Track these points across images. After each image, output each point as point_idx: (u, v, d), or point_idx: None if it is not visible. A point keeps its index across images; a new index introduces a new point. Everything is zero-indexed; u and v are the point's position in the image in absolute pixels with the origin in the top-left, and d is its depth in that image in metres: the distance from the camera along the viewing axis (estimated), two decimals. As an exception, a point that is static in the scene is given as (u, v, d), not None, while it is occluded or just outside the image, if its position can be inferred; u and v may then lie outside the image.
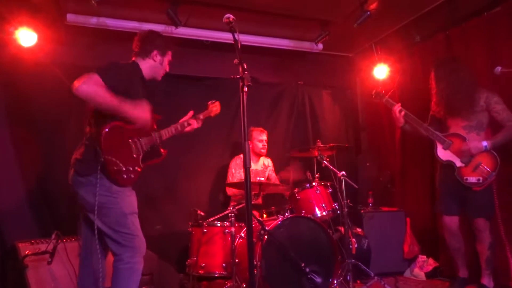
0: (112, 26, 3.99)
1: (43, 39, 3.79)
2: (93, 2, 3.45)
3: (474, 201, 3.16)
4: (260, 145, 4.27)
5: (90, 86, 2.18)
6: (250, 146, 4.17)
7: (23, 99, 3.86)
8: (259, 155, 4.32)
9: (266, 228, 3.10)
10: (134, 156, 2.34)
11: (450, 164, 3.24)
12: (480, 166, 3.10)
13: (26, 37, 3.67)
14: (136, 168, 2.33)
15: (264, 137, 4.30)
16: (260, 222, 3.14)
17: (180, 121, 2.79)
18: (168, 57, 2.66)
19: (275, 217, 3.50)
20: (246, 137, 1.74)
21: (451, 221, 3.31)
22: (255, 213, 3.88)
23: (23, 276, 3.00)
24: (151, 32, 2.65)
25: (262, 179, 4.26)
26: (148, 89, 2.59)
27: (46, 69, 3.89)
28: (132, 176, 2.31)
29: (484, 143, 3.09)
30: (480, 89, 3.24)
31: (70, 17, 3.84)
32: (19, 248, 3.12)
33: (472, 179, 3.12)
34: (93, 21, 3.92)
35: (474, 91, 3.20)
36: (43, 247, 3.10)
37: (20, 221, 3.65)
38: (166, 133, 2.57)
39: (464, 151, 3.14)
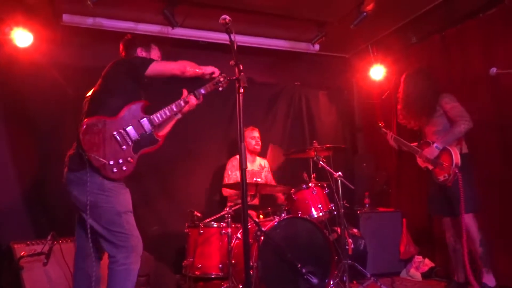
0: (108, 26, 3.98)
1: (38, 39, 3.78)
2: (89, 2, 3.44)
3: (452, 199, 3.26)
4: (253, 142, 4.27)
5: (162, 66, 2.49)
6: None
7: (19, 100, 3.85)
8: (253, 153, 4.31)
9: (263, 229, 3.10)
10: (124, 147, 2.28)
11: (427, 169, 3.43)
12: (442, 164, 3.29)
13: (21, 37, 3.66)
14: (129, 159, 2.27)
15: (255, 134, 4.30)
16: (257, 223, 3.14)
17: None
18: (154, 51, 2.65)
19: (271, 218, 3.50)
20: (242, 139, 1.74)
21: (450, 221, 3.40)
22: (252, 213, 3.88)
23: (19, 278, 2.99)
24: (130, 37, 2.73)
25: (259, 179, 4.25)
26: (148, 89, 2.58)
27: (42, 69, 3.88)
28: (125, 168, 2.25)
29: (435, 145, 3.31)
30: (438, 94, 3.40)
31: (66, 17, 3.83)
32: (15, 249, 3.10)
33: (441, 177, 3.31)
34: (89, 21, 3.91)
35: (427, 98, 3.40)
36: (38, 248, 3.09)
37: (16, 222, 3.64)
38: (158, 117, 2.43)
39: (425, 160, 3.39)
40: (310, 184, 3.58)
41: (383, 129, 3.85)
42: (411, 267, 4.14)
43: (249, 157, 4.30)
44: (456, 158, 3.21)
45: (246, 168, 1.74)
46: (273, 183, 4.41)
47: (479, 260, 3.25)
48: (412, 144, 3.53)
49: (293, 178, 4.31)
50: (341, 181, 3.50)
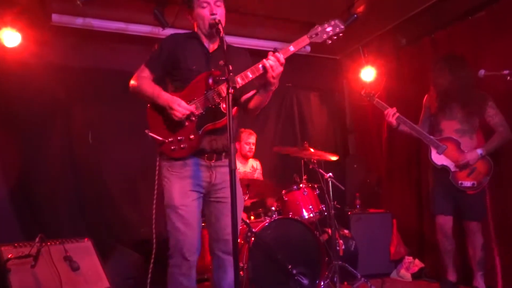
0: (98, 26, 3.95)
1: (27, 39, 3.74)
2: (78, 2, 3.42)
3: (468, 204, 3.19)
4: (247, 147, 4.25)
5: (134, 82, 2.19)
6: (238, 147, 4.16)
7: (7, 100, 3.80)
8: (245, 157, 4.31)
9: (253, 230, 3.09)
10: (186, 124, 2.08)
11: (444, 168, 3.24)
12: (475, 171, 3.14)
13: (9, 37, 3.63)
14: (191, 136, 2.07)
15: (252, 139, 4.28)
16: (247, 224, 3.13)
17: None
18: (196, 6, 2.17)
19: (262, 218, 3.50)
20: (231, 139, 1.73)
21: (446, 222, 3.30)
22: (243, 214, 3.87)
23: (6, 280, 2.93)
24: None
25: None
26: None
27: (30, 69, 3.84)
28: (183, 145, 2.07)
29: (479, 151, 3.12)
30: (478, 91, 3.25)
31: (55, 17, 3.80)
32: (2, 251, 3.03)
33: (467, 183, 3.15)
34: (78, 21, 3.88)
35: (474, 92, 3.22)
36: (26, 250, 3.03)
37: (3, 223, 3.59)
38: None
39: (464, 164, 3.15)
40: (301, 185, 3.58)
41: (380, 101, 3.45)
42: (401, 267, 4.16)
43: (241, 159, 4.29)
44: (492, 170, 3.11)
45: (236, 169, 1.73)
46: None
47: (476, 264, 3.23)
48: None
49: (284, 178, 4.32)
50: (332, 182, 3.51)
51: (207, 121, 2.09)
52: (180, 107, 2.04)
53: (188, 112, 2.05)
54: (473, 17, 3.76)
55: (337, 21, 2.22)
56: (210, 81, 2.10)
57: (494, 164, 3.15)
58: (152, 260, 2.25)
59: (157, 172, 2.20)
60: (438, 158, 3.26)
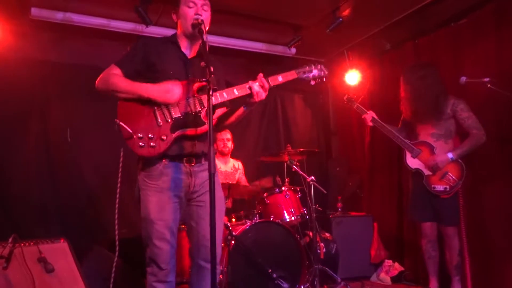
0: (78, 22, 3.85)
1: (4, 32, 3.63)
2: (59, -4, 3.33)
3: (443, 209, 3.21)
4: (220, 144, 4.22)
5: (102, 79, 2.10)
6: (215, 146, 4.13)
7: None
8: (223, 154, 4.27)
9: (234, 233, 3.06)
10: (160, 124, 2.03)
11: (418, 172, 3.29)
12: (447, 175, 3.16)
13: (-15, 30, 3.51)
14: (162, 137, 2.02)
15: (224, 136, 4.24)
16: (227, 227, 3.10)
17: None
18: (182, 4, 2.17)
19: (243, 221, 3.47)
20: (212, 142, 1.69)
21: (431, 228, 3.32)
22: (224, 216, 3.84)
23: (-25, 282, 2.84)
24: None
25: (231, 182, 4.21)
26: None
27: (7, 63, 3.71)
28: (153, 144, 2.00)
29: (450, 155, 3.14)
30: (448, 96, 3.27)
31: (35, 11, 3.69)
32: (-28, 252, 2.95)
33: (440, 187, 3.18)
34: (59, 16, 3.77)
35: (441, 98, 3.23)
36: (-2, 251, 2.94)
37: (-26, 224, 3.47)
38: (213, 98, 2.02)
39: (432, 165, 3.18)
40: (283, 188, 3.56)
41: (360, 106, 3.55)
42: (381, 271, 4.18)
43: (221, 158, 4.26)
44: (464, 174, 3.12)
45: (215, 172, 1.69)
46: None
47: (454, 269, 3.25)
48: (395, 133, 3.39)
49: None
50: (314, 185, 3.50)
51: (183, 126, 2.07)
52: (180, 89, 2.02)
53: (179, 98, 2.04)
54: (455, 24, 3.80)
55: (322, 66, 2.42)
56: (194, 88, 2.12)
57: (467, 168, 3.16)
58: (115, 259, 2.29)
59: (120, 170, 2.14)
60: (412, 162, 3.31)
